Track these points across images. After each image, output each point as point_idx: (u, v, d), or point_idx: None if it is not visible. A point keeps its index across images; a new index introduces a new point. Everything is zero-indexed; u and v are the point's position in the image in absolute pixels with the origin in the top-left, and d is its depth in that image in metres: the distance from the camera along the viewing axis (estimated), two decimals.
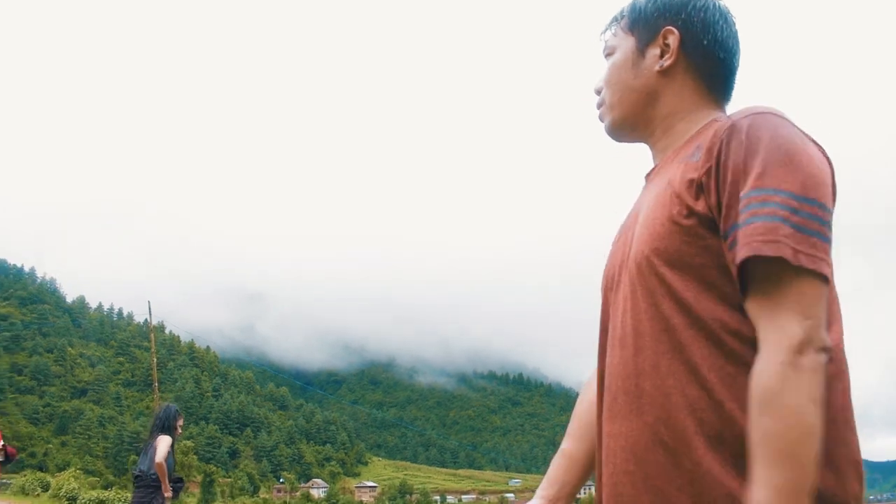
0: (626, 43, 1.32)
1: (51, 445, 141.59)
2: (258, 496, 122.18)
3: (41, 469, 60.47)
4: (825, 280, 1.00)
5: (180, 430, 7.02)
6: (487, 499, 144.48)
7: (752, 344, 1.02)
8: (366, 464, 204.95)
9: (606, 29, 1.38)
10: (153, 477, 6.27)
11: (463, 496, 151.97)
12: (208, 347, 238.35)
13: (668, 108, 1.28)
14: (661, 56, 1.28)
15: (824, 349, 0.98)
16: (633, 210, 1.31)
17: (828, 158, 1.11)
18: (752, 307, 1.02)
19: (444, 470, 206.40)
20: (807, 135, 1.11)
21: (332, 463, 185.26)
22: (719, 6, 1.29)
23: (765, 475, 0.93)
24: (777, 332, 0.98)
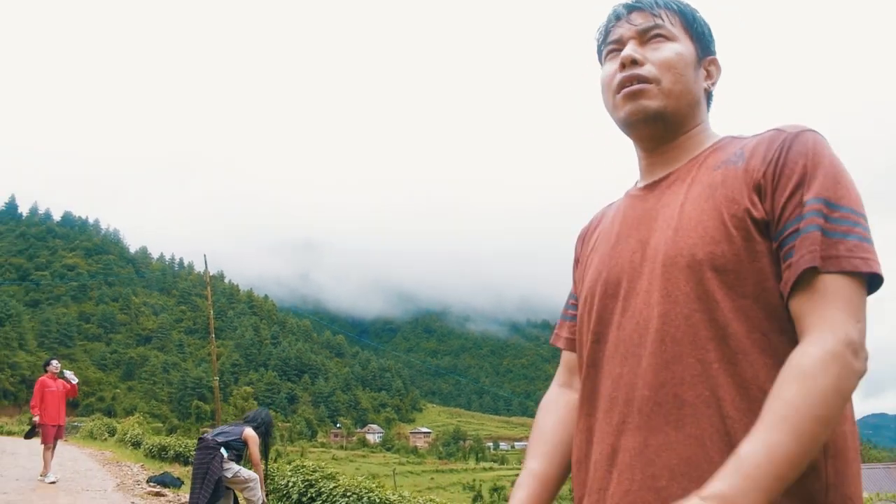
0: (688, 44, 1.29)
1: (118, 390, 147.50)
2: (316, 440, 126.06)
3: (109, 414, 63.08)
4: (874, 285, 1.05)
5: (269, 441, 7.20)
6: None
7: None
8: (420, 410, 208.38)
9: (653, 5, 1.30)
10: (215, 443, 6.49)
11: (516, 443, 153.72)
12: (266, 296, 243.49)
13: (698, 123, 1.30)
14: (707, 78, 1.32)
15: (866, 359, 1.00)
16: (628, 214, 1.29)
17: None
18: (798, 305, 1.03)
19: (497, 417, 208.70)
20: None
21: (388, 409, 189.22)
22: None
23: (762, 434, 0.93)
24: (832, 326, 0.99)
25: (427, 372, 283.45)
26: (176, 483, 11.46)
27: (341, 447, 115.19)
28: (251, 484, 6.43)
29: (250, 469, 6.64)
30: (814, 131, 1.13)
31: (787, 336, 1.05)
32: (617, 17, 1.32)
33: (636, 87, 1.25)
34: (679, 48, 1.27)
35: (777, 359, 1.03)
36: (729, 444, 1.01)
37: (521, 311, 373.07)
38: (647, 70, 1.25)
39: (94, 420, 33.33)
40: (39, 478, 11.09)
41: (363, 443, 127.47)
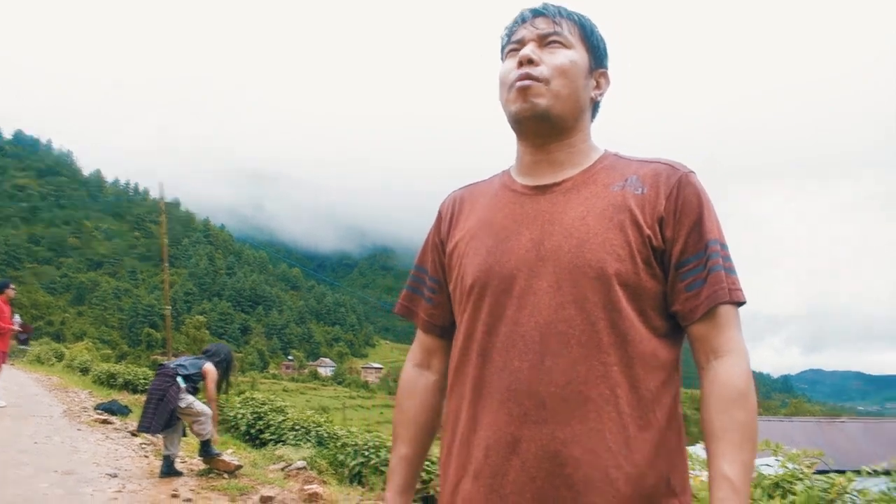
0: (583, 54, 1.38)
1: (67, 315, 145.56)
2: (267, 372, 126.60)
3: (57, 339, 62.15)
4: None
5: (230, 379, 7.25)
6: None
7: (671, 367, 1.25)
8: (373, 346, 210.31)
9: (556, 14, 1.38)
10: (174, 372, 6.48)
11: None
12: (223, 226, 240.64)
13: (583, 129, 1.39)
14: (595, 88, 1.41)
15: None
16: (516, 211, 1.35)
17: None
18: (705, 328, 1.23)
19: None
20: None
21: (340, 343, 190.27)
22: None
23: (736, 454, 1.14)
24: (737, 345, 1.22)
25: (382, 309, 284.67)
26: (124, 411, 11.46)
27: (293, 379, 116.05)
28: (202, 418, 6.44)
29: (205, 403, 6.66)
30: (695, 173, 1.31)
31: (667, 348, 1.25)
32: (522, 20, 1.39)
33: (528, 83, 1.31)
34: (573, 56, 1.35)
35: (659, 365, 1.23)
36: (625, 435, 1.17)
37: None
38: (540, 71, 1.32)
39: (41, 345, 32.91)
40: None
41: (315, 376, 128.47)
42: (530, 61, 1.32)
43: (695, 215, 1.25)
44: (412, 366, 1.52)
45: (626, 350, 1.20)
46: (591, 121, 1.43)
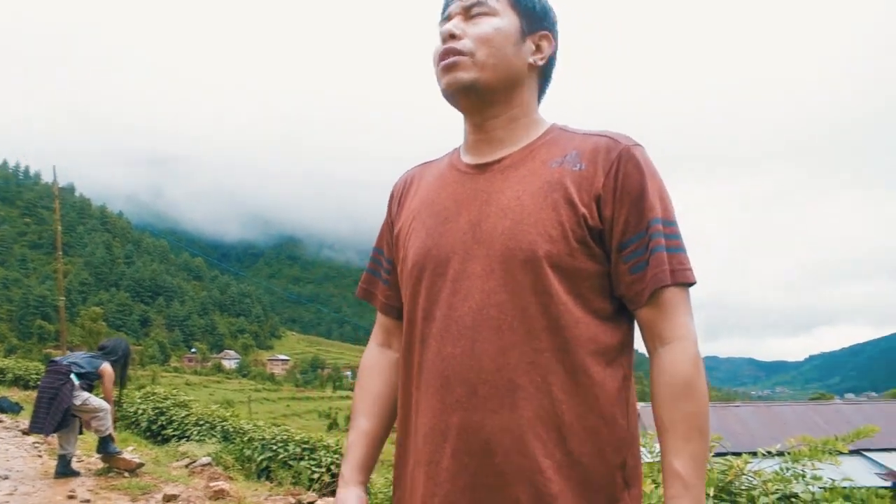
0: (511, 17, 1.32)
1: None
2: (169, 365, 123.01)
3: None
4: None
5: (128, 373, 7.03)
6: None
7: (615, 351, 1.20)
8: (279, 338, 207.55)
9: None
10: (67, 369, 6.19)
11: None
12: (120, 213, 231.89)
13: (523, 101, 1.33)
14: (535, 53, 1.33)
15: None
16: (457, 191, 1.32)
17: None
18: (651, 313, 1.19)
19: (357, 347, 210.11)
20: None
21: (246, 335, 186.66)
22: None
23: (684, 447, 1.12)
24: (683, 332, 1.17)
25: (288, 299, 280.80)
26: (14, 409, 10.93)
27: (195, 372, 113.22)
28: (100, 414, 6.20)
29: (101, 398, 6.41)
30: (642, 146, 1.24)
31: (611, 331, 1.20)
32: None
33: (451, 59, 1.29)
34: (498, 23, 1.30)
35: (600, 350, 1.18)
36: (557, 423, 1.15)
37: None
38: (462, 44, 1.29)
39: None
40: None
41: (219, 368, 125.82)
42: (452, 36, 1.30)
43: (636, 192, 1.19)
44: (375, 345, 1.49)
45: (561, 335, 1.17)
46: (542, 91, 1.38)
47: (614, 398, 1.18)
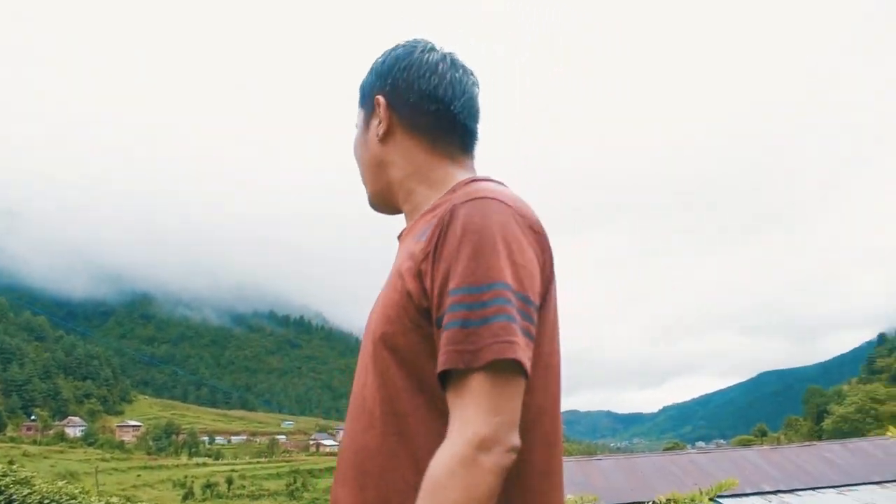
0: (359, 119, 1.34)
1: None
2: (5, 434, 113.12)
3: None
4: (520, 369, 1.00)
5: None
6: (258, 440, 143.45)
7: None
8: (130, 402, 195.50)
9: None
10: None
11: (233, 437, 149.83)
12: None
13: (401, 172, 1.28)
14: (380, 123, 1.28)
15: (513, 449, 0.99)
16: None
17: (542, 244, 1.13)
18: (450, 403, 1.02)
19: (214, 410, 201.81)
20: (525, 217, 1.11)
21: (92, 400, 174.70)
22: (428, 58, 1.27)
23: None
24: (462, 426, 0.98)
25: (141, 361, 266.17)
26: None
27: (35, 441, 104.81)
28: None
29: None
30: (476, 200, 1.09)
31: (446, 417, 1.04)
32: None
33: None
34: (355, 134, 1.34)
35: (443, 438, 1.02)
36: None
37: (241, 301, 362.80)
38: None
39: None
40: None
41: (62, 437, 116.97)
42: None
43: (449, 260, 1.05)
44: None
45: (405, 420, 1.09)
46: (433, 136, 1.27)
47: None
